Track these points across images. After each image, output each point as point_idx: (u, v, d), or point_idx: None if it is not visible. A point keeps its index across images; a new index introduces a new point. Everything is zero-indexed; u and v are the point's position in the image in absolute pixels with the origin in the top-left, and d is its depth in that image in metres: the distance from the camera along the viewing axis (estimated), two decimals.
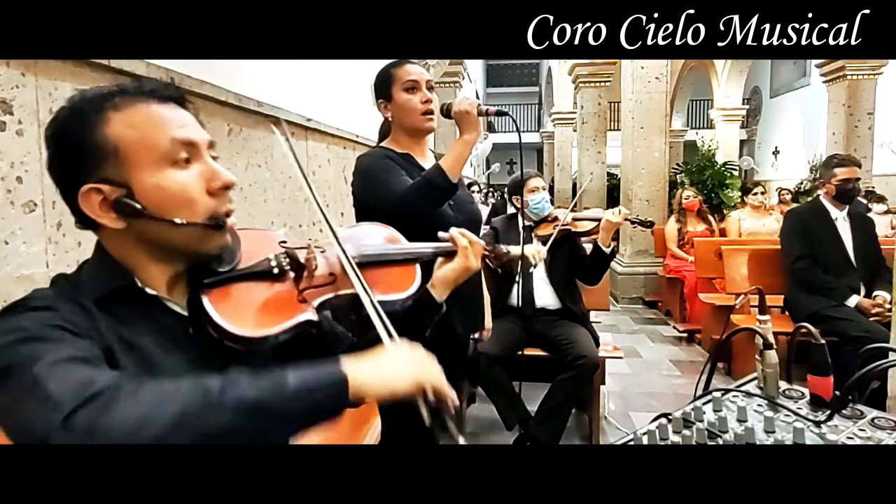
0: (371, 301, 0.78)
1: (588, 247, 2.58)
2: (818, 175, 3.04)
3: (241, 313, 0.72)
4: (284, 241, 0.85)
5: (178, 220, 0.68)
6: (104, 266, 0.71)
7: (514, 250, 1.22)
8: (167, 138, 0.68)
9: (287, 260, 0.79)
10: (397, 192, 1.45)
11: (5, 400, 0.56)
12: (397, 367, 0.68)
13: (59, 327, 0.61)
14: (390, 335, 0.75)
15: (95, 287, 0.69)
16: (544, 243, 2.58)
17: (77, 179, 0.67)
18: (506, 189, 3.11)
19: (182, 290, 0.75)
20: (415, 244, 1.00)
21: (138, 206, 0.67)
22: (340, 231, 0.99)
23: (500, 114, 1.55)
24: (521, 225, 2.61)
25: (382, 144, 1.62)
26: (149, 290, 0.72)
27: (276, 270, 0.77)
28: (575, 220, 2.53)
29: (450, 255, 1.00)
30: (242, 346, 0.70)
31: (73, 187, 0.68)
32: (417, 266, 0.96)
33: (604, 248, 2.41)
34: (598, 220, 2.43)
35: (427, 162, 1.61)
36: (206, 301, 0.71)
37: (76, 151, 0.67)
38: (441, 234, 1.02)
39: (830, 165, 2.94)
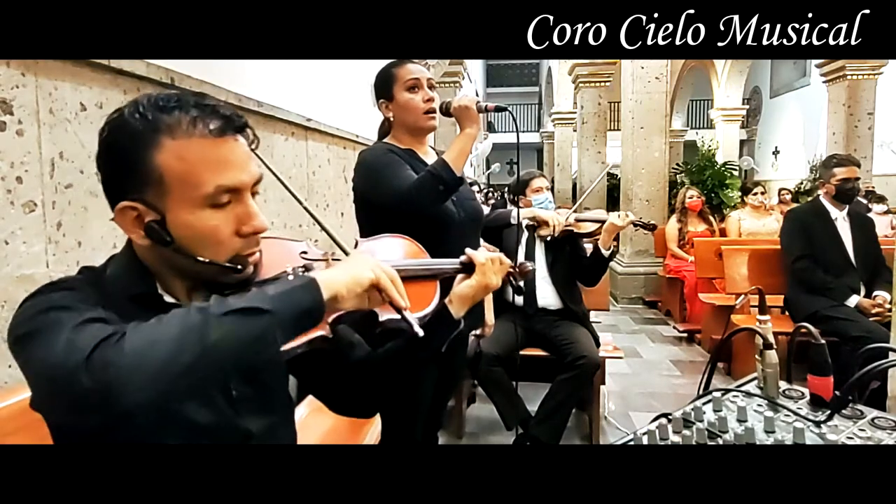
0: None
1: (589, 247, 2.58)
2: (818, 175, 3.03)
3: None
4: (305, 252, 0.85)
5: (200, 258, 0.70)
6: (130, 269, 0.73)
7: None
8: (213, 183, 0.68)
9: (304, 273, 0.78)
10: (402, 185, 1.44)
11: (34, 359, 0.59)
12: (357, 262, 0.73)
13: (82, 301, 0.64)
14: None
15: (119, 287, 0.72)
16: (545, 244, 2.58)
17: (119, 191, 0.69)
18: (507, 188, 3.11)
19: (202, 299, 0.75)
20: (435, 260, 0.98)
21: (167, 237, 0.68)
22: (363, 244, 1.00)
23: (499, 109, 1.56)
24: (513, 215, 2.61)
25: (384, 141, 1.62)
26: (168, 299, 0.74)
27: None
28: (578, 220, 2.53)
29: (469, 271, 0.98)
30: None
31: (114, 195, 0.69)
32: (437, 283, 0.94)
33: (603, 251, 2.41)
34: (601, 221, 2.43)
35: (429, 159, 1.62)
36: None
37: (123, 168, 0.68)
38: (468, 250, 0.99)
39: (830, 165, 2.95)
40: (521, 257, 2.57)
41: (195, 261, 0.70)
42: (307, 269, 0.80)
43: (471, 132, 1.49)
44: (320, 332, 0.76)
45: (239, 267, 0.72)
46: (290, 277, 0.76)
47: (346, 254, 0.86)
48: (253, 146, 0.75)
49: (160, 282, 0.74)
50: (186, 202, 0.68)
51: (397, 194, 1.43)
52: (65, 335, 0.57)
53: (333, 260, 0.84)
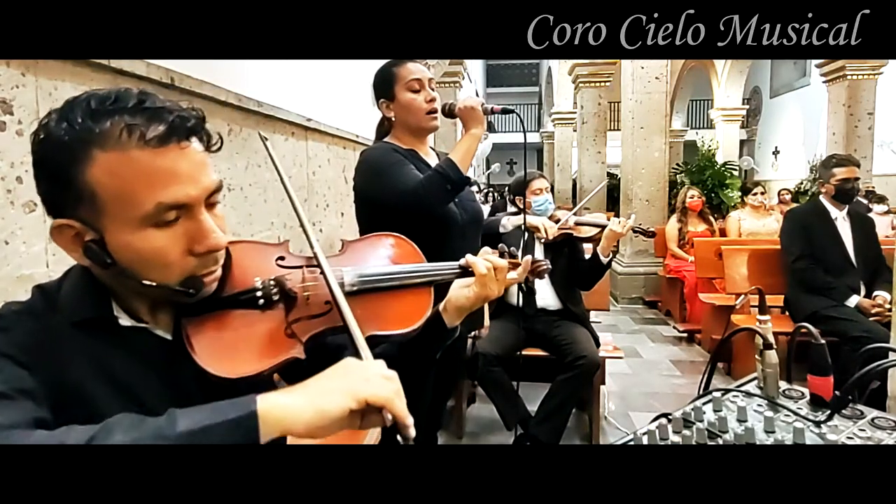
0: (359, 337, 0.66)
1: (588, 247, 2.58)
2: (817, 175, 3.03)
3: (220, 351, 0.67)
4: (282, 259, 0.77)
5: (146, 282, 0.63)
6: (83, 291, 0.66)
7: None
8: (152, 201, 0.60)
9: (276, 289, 0.71)
10: (409, 184, 1.43)
11: None
12: (329, 382, 0.58)
13: (1, 354, 0.58)
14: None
15: (72, 312, 0.64)
16: (544, 246, 2.58)
17: (53, 206, 0.62)
18: (507, 188, 3.11)
19: (167, 315, 0.70)
20: (431, 265, 0.89)
21: (108, 259, 0.61)
22: (350, 245, 0.89)
23: (506, 111, 1.56)
24: (502, 223, 2.61)
25: (385, 140, 1.61)
26: (123, 322, 0.67)
27: (261, 302, 0.70)
28: (578, 223, 2.53)
29: (465, 276, 0.90)
30: (223, 383, 0.65)
31: (50, 211, 0.63)
32: (431, 292, 0.85)
33: (602, 258, 2.41)
34: (601, 226, 2.43)
35: (430, 159, 1.61)
36: (185, 334, 0.67)
37: (53, 183, 0.61)
38: (469, 256, 0.91)
39: (829, 165, 2.95)
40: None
41: (140, 284, 0.63)
42: (278, 282, 0.71)
43: (476, 133, 1.49)
44: (292, 353, 0.69)
45: (191, 291, 0.65)
46: (259, 293, 0.69)
47: (318, 265, 0.72)
48: (214, 148, 0.66)
49: (118, 300, 0.67)
50: (125, 221, 0.60)
51: (404, 193, 1.42)
52: None
53: (312, 268, 0.76)
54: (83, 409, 0.60)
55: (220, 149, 0.67)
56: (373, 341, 0.75)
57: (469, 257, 0.90)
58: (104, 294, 0.66)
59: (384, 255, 0.90)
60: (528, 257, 0.98)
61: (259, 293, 0.70)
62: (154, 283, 0.63)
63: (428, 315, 0.84)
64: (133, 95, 0.62)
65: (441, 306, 0.89)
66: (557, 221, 2.57)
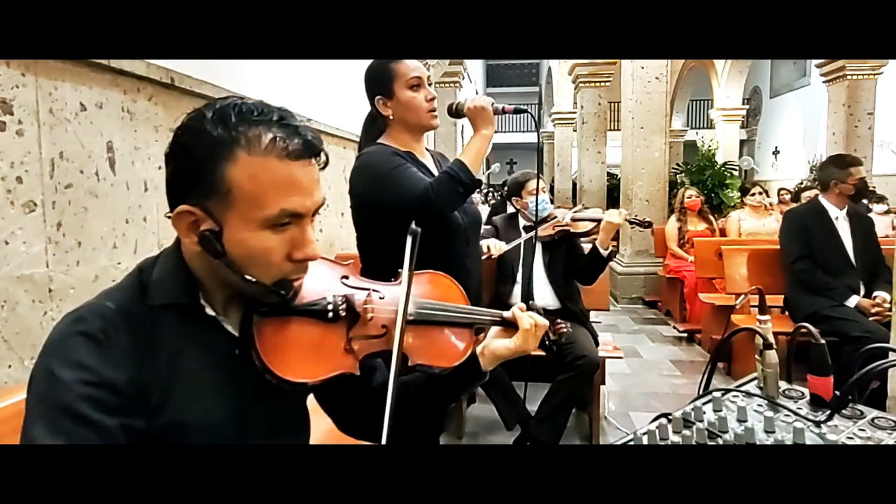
0: (394, 375, 0.70)
1: (587, 246, 2.58)
2: (829, 175, 2.96)
3: (285, 354, 0.71)
4: (346, 278, 0.81)
5: (248, 277, 0.68)
6: (175, 276, 0.71)
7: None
8: (278, 206, 0.66)
9: (344, 305, 0.75)
10: (418, 188, 1.38)
11: (27, 404, 0.63)
12: None
13: (83, 396, 0.62)
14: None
15: (162, 294, 0.70)
16: (544, 244, 2.58)
17: (181, 192, 0.67)
18: (505, 189, 3.10)
19: (237, 310, 0.74)
20: (475, 308, 0.92)
21: (220, 249, 0.67)
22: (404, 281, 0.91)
23: (518, 111, 1.52)
24: (521, 225, 2.61)
25: (382, 142, 1.54)
26: (209, 311, 0.72)
27: (330, 315, 0.74)
28: (574, 220, 2.53)
29: (505, 325, 0.94)
30: (279, 384, 0.69)
31: (175, 195, 0.68)
32: (473, 332, 0.89)
33: (601, 251, 2.40)
34: (598, 220, 2.43)
35: (427, 160, 1.58)
36: (255, 332, 0.70)
37: (192, 172, 0.66)
38: (515, 311, 0.93)
39: (845, 165, 2.91)
40: (519, 258, 2.57)
41: (242, 278, 0.68)
42: (347, 299, 0.75)
43: (486, 133, 1.45)
44: (348, 368, 0.74)
45: (283, 292, 0.70)
46: (329, 306, 0.74)
47: (407, 290, 0.76)
48: (323, 168, 0.73)
49: (202, 290, 0.72)
50: (247, 220, 0.66)
51: (414, 198, 1.37)
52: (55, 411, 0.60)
53: (374, 291, 0.80)
54: (156, 391, 0.67)
55: (325, 168, 0.73)
56: (416, 370, 0.80)
57: (515, 311, 0.93)
58: (194, 282, 0.72)
59: (437, 293, 0.93)
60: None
61: (329, 306, 0.74)
62: (254, 280, 0.68)
63: (469, 355, 0.88)
64: (275, 110, 0.69)
65: (479, 350, 0.92)
66: (556, 220, 2.57)
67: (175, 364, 0.68)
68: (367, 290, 0.80)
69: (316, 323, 0.74)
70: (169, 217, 0.69)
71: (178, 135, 0.68)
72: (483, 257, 2.35)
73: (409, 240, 0.77)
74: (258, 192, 0.65)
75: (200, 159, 0.65)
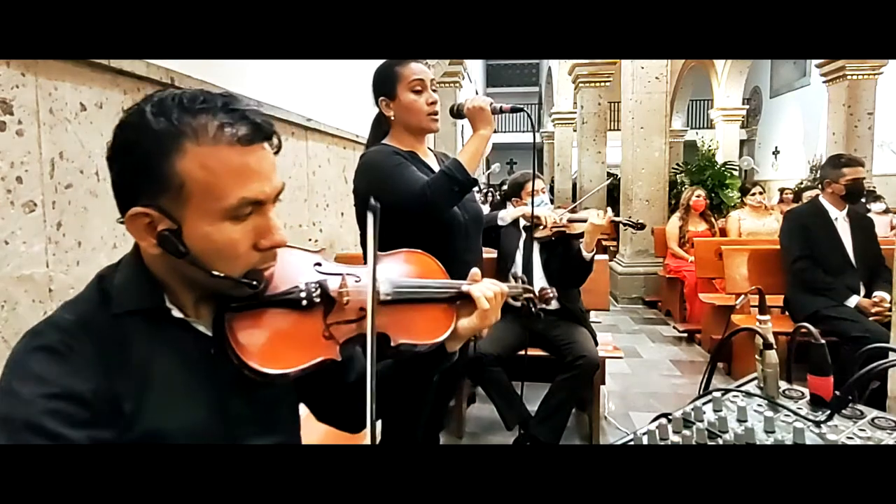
0: (371, 361, 0.67)
1: None
2: (824, 175, 2.98)
3: (261, 346, 0.69)
4: (319, 265, 0.80)
5: (215, 273, 0.66)
6: (136, 282, 0.69)
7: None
8: (237, 195, 0.63)
9: (318, 291, 0.74)
10: (415, 187, 1.42)
11: None
12: None
13: (46, 411, 0.59)
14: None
15: (125, 301, 0.67)
16: (541, 244, 2.58)
17: (132, 194, 0.64)
18: (504, 189, 3.10)
19: (208, 310, 0.72)
20: (451, 281, 0.89)
21: (182, 248, 0.64)
22: (382, 258, 0.89)
23: (515, 110, 1.54)
24: (500, 217, 2.61)
25: (385, 142, 1.59)
26: (175, 314, 0.70)
27: (304, 303, 0.73)
28: (570, 220, 2.52)
29: (465, 298, 0.89)
30: (260, 378, 0.68)
31: (125, 198, 0.65)
32: (455, 307, 0.87)
33: (585, 254, 2.29)
34: (584, 221, 2.36)
35: (430, 160, 1.61)
36: (228, 328, 0.69)
37: (139, 171, 0.63)
38: (472, 289, 0.88)
39: (838, 165, 2.91)
40: (518, 257, 2.58)
41: (210, 274, 0.65)
42: (321, 285, 0.74)
43: (485, 133, 1.48)
44: (330, 354, 0.72)
45: (254, 283, 0.68)
46: (303, 294, 0.72)
47: (374, 270, 0.74)
48: (276, 152, 0.70)
49: (168, 293, 0.70)
50: (206, 213, 0.63)
51: (410, 196, 1.40)
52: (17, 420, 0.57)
53: (349, 275, 0.78)
54: (129, 400, 0.64)
55: (279, 152, 0.71)
56: (401, 349, 0.79)
57: (472, 290, 0.87)
58: (157, 286, 0.69)
59: (413, 270, 0.92)
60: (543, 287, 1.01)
61: (303, 294, 0.73)
62: (222, 275, 0.66)
63: (453, 329, 0.85)
64: (218, 97, 0.65)
65: None
66: (555, 221, 2.57)
67: (147, 371, 0.66)
68: (341, 274, 0.78)
69: (291, 312, 0.73)
70: (121, 222, 0.65)
71: (118, 133, 0.64)
72: (542, 227, 2.38)
73: (369, 216, 0.75)
74: (213, 182, 0.62)
75: (146, 156, 0.62)
